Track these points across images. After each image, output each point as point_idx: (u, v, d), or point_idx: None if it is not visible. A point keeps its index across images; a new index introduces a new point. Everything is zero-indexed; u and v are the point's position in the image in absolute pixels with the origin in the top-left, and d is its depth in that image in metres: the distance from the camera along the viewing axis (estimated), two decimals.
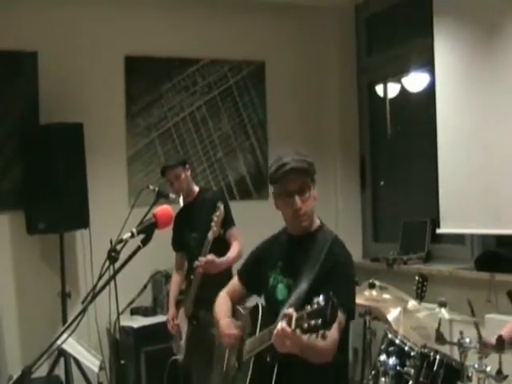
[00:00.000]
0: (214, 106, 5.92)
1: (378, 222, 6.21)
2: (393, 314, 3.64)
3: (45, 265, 5.25)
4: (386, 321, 3.63)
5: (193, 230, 4.49)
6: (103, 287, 2.37)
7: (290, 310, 2.36)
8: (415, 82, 5.80)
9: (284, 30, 6.09)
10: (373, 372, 3.39)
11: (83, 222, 5.08)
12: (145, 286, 5.47)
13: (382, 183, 6.16)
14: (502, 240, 4.82)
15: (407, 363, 3.26)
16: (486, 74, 4.54)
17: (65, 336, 2.44)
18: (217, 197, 4.51)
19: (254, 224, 5.52)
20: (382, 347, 3.40)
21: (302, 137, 6.00)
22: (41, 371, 4.33)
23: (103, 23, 5.47)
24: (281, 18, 6.05)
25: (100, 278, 2.38)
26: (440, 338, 3.21)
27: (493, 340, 2.96)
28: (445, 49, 4.88)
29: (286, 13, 6.03)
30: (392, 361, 3.30)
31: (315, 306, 2.27)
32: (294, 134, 5.93)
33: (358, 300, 3.65)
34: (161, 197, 4.56)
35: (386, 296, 3.78)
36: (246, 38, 5.94)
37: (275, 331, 2.41)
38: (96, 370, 4.34)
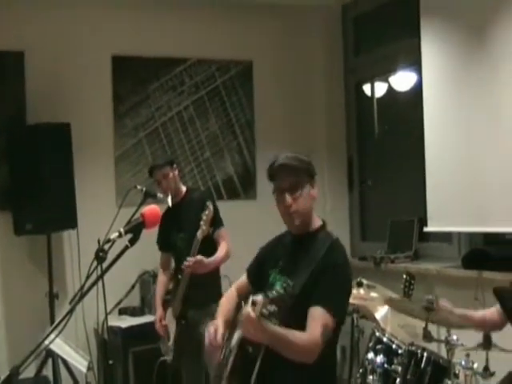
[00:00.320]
0: (202, 105, 5.92)
1: (365, 221, 6.23)
2: (380, 313, 3.66)
3: (32, 265, 5.24)
4: (374, 319, 3.64)
5: (180, 230, 4.48)
6: (91, 287, 2.38)
7: (259, 297, 2.37)
8: (402, 81, 5.82)
9: (272, 29, 6.09)
10: (360, 370, 3.41)
11: (71, 222, 5.07)
12: (133, 286, 5.46)
13: (369, 183, 6.17)
14: (488, 238, 4.84)
15: (395, 361, 3.28)
16: (472, 74, 4.57)
17: (52, 336, 2.44)
18: (205, 196, 4.51)
19: (242, 224, 5.55)
20: (370, 345, 3.41)
21: (290, 137, 6.01)
22: (28, 372, 4.33)
23: (90, 23, 5.46)
24: (268, 18, 6.05)
25: (88, 277, 2.38)
26: (427, 336, 3.23)
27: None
28: (432, 49, 4.90)
29: (273, 12, 6.03)
30: (380, 359, 3.32)
31: (275, 293, 2.30)
32: (281, 134, 5.94)
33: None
34: (148, 197, 4.55)
35: (374, 294, 3.79)
36: (233, 37, 5.94)
37: (242, 317, 2.43)
38: (84, 370, 4.33)
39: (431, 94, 4.92)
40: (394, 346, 3.34)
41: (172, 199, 4.49)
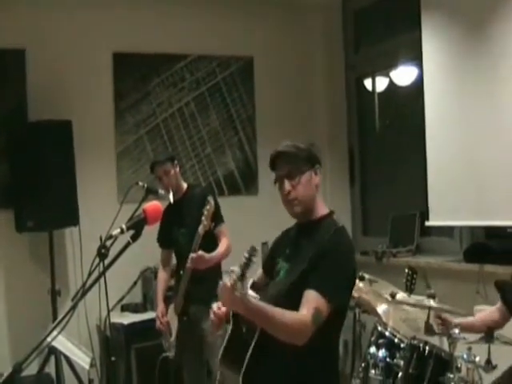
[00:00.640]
0: (203, 101, 5.92)
1: (367, 215, 6.23)
2: (382, 307, 3.66)
3: (34, 263, 5.25)
4: (376, 313, 3.65)
5: (182, 226, 4.48)
6: (93, 284, 2.38)
7: (236, 267, 2.40)
8: (403, 76, 5.82)
9: (272, 25, 6.09)
10: (363, 364, 3.41)
11: (72, 219, 5.07)
12: (135, 283, 5.46)
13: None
14: (490, 232, 4.84)
15: (397, 355, 3.29)
16: (473, 68, 4.56)
17: (55, 333, 2.44)
18: (206, 191, 4.52)
19: (243, 219, 5.55)
20: (372, 339, 3.42)
21: (291, 132, 5.99)
22: (31, 369, 4.35)
23: (91, 20, 5.46)
24: (269, 14, 6.05)
25: (90, 274, 2.38)
26: (429, 330, 3.24)
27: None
28: (432, 43, 4.90)
29: (274, 8, 6.03)
30: (382, 353, 3.32)
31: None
32: (282, 130, 5.93)
33: None
34: (150, 193, 4.55)
35: (376, 289, 3.79)
36: (233, 33, 5.94)
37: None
38: (86, 367, 4.33)
39: (432, 89, 4.91)
40: (396, 340, 3.35)
41: (173, 195, 4.50)
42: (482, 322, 3.20)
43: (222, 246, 4.36)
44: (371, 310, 3.80)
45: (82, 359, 4.36)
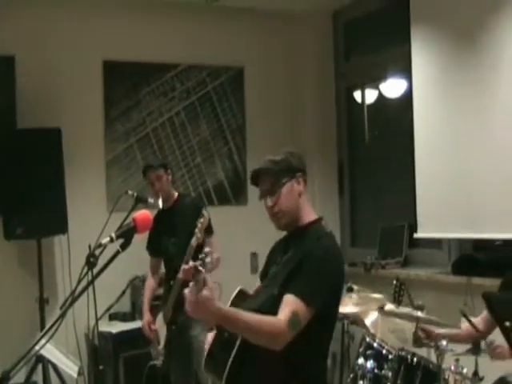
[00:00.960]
0: (193, 111, 5.92)
1: (355, 226, 6.25)
2: (370, 318, 3.67)
3: (22, 270, 5.23)
4: (364, 325, 3.65)
5: (172, 235, 4.48)
6: (82, 292, 2.37)
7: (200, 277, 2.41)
8: (393, 88, 5.85)
9: (262, 35, 6.11)
10: (351, 375, 3.41)
11: (61, 227, 5.06)
12: (123, 292, 5.43)
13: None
14: (478, 244, 4.87)
15: (385, 366, 3.29)
16: (462, 81, 4.60)
17: (43, 342, 2.43)
18: (197, 202, 4.52)
19: (233, 229, 5.56)
20: (360, 351, 3.42)
21: (280, 142, 5.98)
22: (18, 377, 4.31)
23: (81, 28, 5.46)
24: (259, 24, 6.08)
25: (79, 283, 2.38)
26: (418, 341, 3.25)
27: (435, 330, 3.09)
28: (422, 55, 4.93)
29: (264, 18, 6.06)
30: (370, 364, 3.32)
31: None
32: (272, 140, 5.94)
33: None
34: (140, 202, 4.55)
35: (364, 300, 3.80)
36: (224, 43, 5.96)
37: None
38: (74, 375, 4.32)
39: (421, 101, 4.94)
40: (384, 352, 3.35)
41: (163, 203, 4.50)
42: (467, 333, 3.22)
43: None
44: (359, 322, 3.81)
45: (70, 368, 4.35)
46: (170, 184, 4.58)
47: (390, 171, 5.83)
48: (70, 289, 4.81)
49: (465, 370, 3.03)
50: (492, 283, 4.14)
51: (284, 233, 2.86)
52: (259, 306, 2.62)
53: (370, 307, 3.72)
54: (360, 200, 6.25)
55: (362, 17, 6.06)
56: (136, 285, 5.43)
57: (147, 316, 4.59)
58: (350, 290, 3.83)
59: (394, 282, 3.95)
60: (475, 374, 3.01)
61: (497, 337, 3.22)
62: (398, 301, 3.84)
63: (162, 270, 4.77)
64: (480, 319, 3.34)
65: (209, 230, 4.35)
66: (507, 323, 2.64)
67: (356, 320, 3.86)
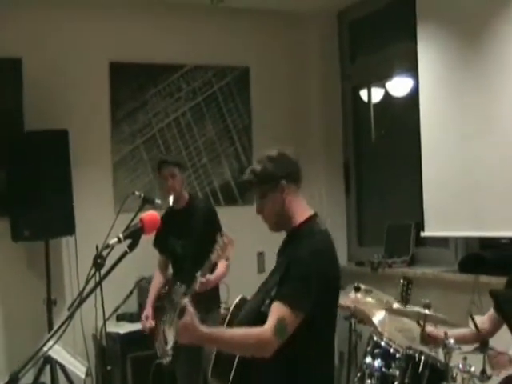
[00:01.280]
0: (199, 111, 5.93)
1: (362, 225, 6.24)
2: (378, 317, 3.67)
3: (30, 272, 5.24)
4: (372, 323, 3.65)
5: (181, 237, 4.48)
6: (89, 293, 2.37)
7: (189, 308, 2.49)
8: (399, 86, 5.84)
9: (268, 35, 6.12)
10: (358, 374, 3.41)
11: (69, 228, 5.07)
12: (130, 292, 5.44)
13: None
14: (485, 242, 4.86)
15: (392, 365, 3.29)
16: (468, 78, 4.59)
17: (51, 343, 2.44)
18: (209, 207, 4.53)
19: (240, 229, 5.55)
20: (368, 349, 3.42)
21: (287, 142, 5.98)
22: (26, 379, 4.33)
23: (88, 29, 5.48)
24: (264, 24, 6.08)
25: (86, 284, 2.38)
26: (425, 340, 3.25)
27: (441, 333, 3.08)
28: (428, 53, 4.92)
29: (269, 19, 6.06)
30: (377, 363, 3.32)
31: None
32: (278, 139, 5.92)
33: (344, 302, 3.70)
34: (146, 203, 4.56)
35: (371, 299, 3.80)
36: (230, 43, 5.97)
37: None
38: (82, 376, 4.33)
39: (427, 99, 4.94)
40: (391, 350, 3.35)
41: (174, 202, 4.49)
42: (474, 334, 3.22)
43: (221, 267, 4.36)
44: (367, 320, 3.81)
45: (78, 368, 4.36)
46: (182, 184, 4.57)
47: (397, 170, 5.82)
48: (77, 290, 4.83)
49: (472, 369, 3.03)
50: (499, 281, 4.12)
51: (277, 237, 2.88)
52: (244, 317, 2.68)
53: (378, 306, 3.72)
54: (366, 199, 6.25)
55: (367, 16, 6.05)
56: (143, 285, 5.42)
57: (149, 309, 4.58)
58: (357, 289, 3.83)
59: (401, 280, 3.94)
60: (483, 372, 3.01)
61: (503, 335, 3.23)
62: (405, 299, 3.84)
63: (170, 270, 4.78)
64: (487, 317, 3.34)
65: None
66: None
67: (363, 319, 3.86)
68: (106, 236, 3.79)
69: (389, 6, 5.72)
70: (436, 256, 5.31)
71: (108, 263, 2.35)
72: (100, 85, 5.58)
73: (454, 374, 3.11)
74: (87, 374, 4.43)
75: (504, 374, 3.06)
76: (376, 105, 6.17)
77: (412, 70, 5.21)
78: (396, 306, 3.64)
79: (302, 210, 2.78)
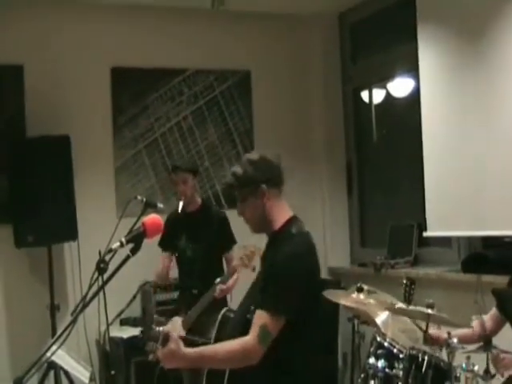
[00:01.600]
0: (201, 115, 5.94)
1: (365, 226, 6.24)
2: (381, 318, 3.66)
3: (33, 278, 5.25)
4: (375, 324, 3.65)
5: (192, 241, 4.50)
6: (92, 298, 2.39)
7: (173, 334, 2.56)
8: (400, 87, 5.85)
9: (269, 38, 6.12)
10: (362, 375, 3.41)
11: (71, 234, 5.08)
12: (134, 297, 5.44)
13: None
14: (487, 242, 4.85)
15: (396, 365, 3.28)
16: (469, 79, 4.59)
17: (54, 348, 2.45)
18: (222, 215, 4.56)
19: (242, 232, 5.54)
20: (371, 350, 3.42)
21: (289, 144, 6.03)
22: None
23: (89, 35, 5.50)
24: (265, 28, 6.09)
25: (89, 288, 2.39)
26: (428, 340, 3.24)
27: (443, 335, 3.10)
28: (429, 54, 4.92)
29: (270, 22, 6.07)
30: (381, 363, 3.31)
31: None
32: (280, 142, 5.96)
33: (346, 303, 3.70)
34: (149, 207, 4.56)
35: (374, 300, 3.79)
36: (230, 47, 5.97)
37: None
38: (86, 381, 4.33)
39: (429, 100, 4.94)
40: (395, 351, 3.34)
41: (186, 207, 4.51)
42: (476, 333, 3.21)
43: (234, 278, 4.37)
44: (370, 321, 3.80)
45: (82, 373, 4.36)
46: (194, 189, 4.59)
47: (399, 170, 5.82)
48: (80, 295, 4.82)
49: (476, 368, 3.03)
50: (502, 280, 4.11)
51: (258, 240, 2.97)
52: (233, 325, 2.76)
53: (381, 307, 3.72)
54: (369, 200, 6.25)
55: (368, 17, 6.05)
56: (146, 290, 5.43)
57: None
58: (360, 289, 3.82)
59: (404, 281, 3.94)
60: (486, 371, 3.01)
61: (505, 333, 3.23)
62: (408, 300, 3.84)
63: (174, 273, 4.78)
64: (489, 316, 3.34)
65: (231, 242, 4.38)
66: None
67: (366, 319, 3.86)
68: (109, 241, 3.80)
69: (389, 8, 5.73)
70: (439, 256, 5.30)
71: (111, 268, 2.36)
72: (102, 90, 5.60)
73: (458, 374, 3.10)
74: (91, 379, 4.43)
75: (507, 373, 3.06)
76: (377, 106, 6.18)
77: (413, 70, 5.22)
78: (399, 306, 3.64)
79: (282, 214, 2.80)
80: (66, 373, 4.66)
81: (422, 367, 3.17)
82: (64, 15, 5.40)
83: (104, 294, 2.81)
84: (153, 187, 5.70)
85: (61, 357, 4.17)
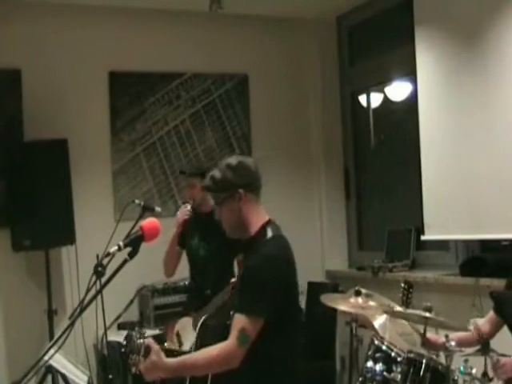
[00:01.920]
0: (198, 119, 5.94)
1: (362, 230, 6.25)
2: (379, 321, 3.66)
3: (31, 282, 5.25)
4: (373, 328, 3.65)
5: (204, 240, 4.50)
6: (90, 302, 2.39)
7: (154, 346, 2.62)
8: (398, 91, 5.86)
9: (266, 42, 6.13)
10: (360, 379, 3.40)
11: (69, 238, 5.08)
12: (131, 301, 5.44)
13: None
14: (485, 245, 4.86)
15: (394, 369, 3.28)
16: (467, 82, 4.59)
17: (52, 352, 2.45)
18: None
19: None
20: (369, 354, 3.41)
21: (286, 148, 6.04)
22: None
23: (86, 40, 5.50)
24: (263, 31, 6.09)
25: (87, 292, 2.39)
26: (426, 343, 3.24)
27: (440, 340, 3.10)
28: (426, 58, 4.93)
29: (268, 25, 6.08)
30: (379, 367, 3.31)
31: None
32: (277, 146, 5.97)
33: (344, 307, 3.70)
34: (146, 211, 4.57)
35: (372, 303, 3.80)
36: (228, 51, 5.98)
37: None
38: None
39: (426, 103, 4.95)
40: (393, 354, 3.34)
41: (198, 208, 4.53)
42: (473, 336, 3.21)
43: None
44: (368, 325, 3.80)
45: (80, 378, 4.35)
46: (203, 192, 4.60)
47: (396, 174, 5.83)
48: (78, 299, 4.82)
49: (474, 371, 3.03)
50: (500, 284, 4.12)
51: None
52: (213, 332, 2.86)
53: (379, 310, 3.72)
54: (367, 204, 6.25)
55: (366, 21, 6.07)
56: (144, 294, 5.44)
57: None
58: (358, 293, 3.82)
59: (402, 284, 3.94)
60: (484, 374, 3.01)
61: (501, 336, 3.23)
62: (406, 303, 3.84)
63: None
64: (487, 319, 3.34)
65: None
66: None
67: (364, 323, 3.86)
68: (107, 244, 3.80)
69: (387, 11, 5.74)
70: (436, 259, 5.31)
71: (109, 272, 2.36)
72: (99, 94, 5.60)
73: (456, 377, 3.11)
74: (88, 383, 4.42)
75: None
76: (375, 109, 6.18)
77: (411, 74, 5.22)
78: (397, 309, 3.64)
79: (258, 218, 2.83)
80: (64, 377, 4.64)
81: (420, 370, 3.17)
82: (62, 19, 5.40)
83: (102, 298, 2.82)
84: (150, 191, 5.70)
85: (58, 361, 4.17)
